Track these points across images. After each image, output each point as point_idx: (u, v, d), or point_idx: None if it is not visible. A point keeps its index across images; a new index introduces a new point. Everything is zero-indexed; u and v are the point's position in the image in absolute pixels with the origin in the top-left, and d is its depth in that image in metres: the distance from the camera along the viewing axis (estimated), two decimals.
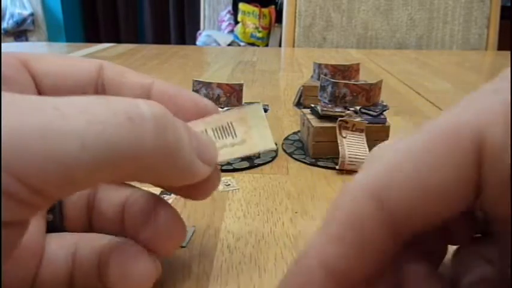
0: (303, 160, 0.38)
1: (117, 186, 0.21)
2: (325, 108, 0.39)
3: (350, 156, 0.35)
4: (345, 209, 0.13)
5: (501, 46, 1.25)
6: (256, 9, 2.46)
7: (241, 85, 0.39)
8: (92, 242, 0.19)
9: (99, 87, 0.21)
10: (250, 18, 2.46)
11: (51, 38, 2.80)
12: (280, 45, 1.87)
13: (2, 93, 0.13)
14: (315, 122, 0.38)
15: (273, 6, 2.48)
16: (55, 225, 0.20)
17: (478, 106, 0.12)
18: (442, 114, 0.13)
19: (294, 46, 1.24)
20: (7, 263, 0.14)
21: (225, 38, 2.49)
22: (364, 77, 0.53)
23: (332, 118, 0.38)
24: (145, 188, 0.21)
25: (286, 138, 0.43)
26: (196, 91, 0.39)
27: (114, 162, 0.14)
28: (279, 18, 2.37)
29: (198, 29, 2.65)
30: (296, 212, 0.29)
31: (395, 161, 0.13)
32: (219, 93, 0.38)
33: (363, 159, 0.35)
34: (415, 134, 0.13)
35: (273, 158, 0.38)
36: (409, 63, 0.95)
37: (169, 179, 0.17)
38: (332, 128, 0.37)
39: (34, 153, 0.12)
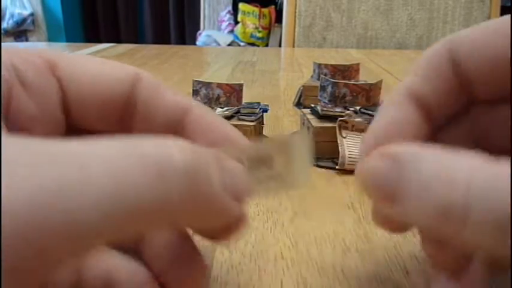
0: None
1: None
2: (325, 108, 0.39)
3: (350, 156, 0.35)
4: (426, 54, 0.19)
5: None
6: (256, 9, 2.46)
7: (241, 85, 0.39)
8: (99, 263, 0.18)
9: (130, 101, 0.19)
10: (250, 18, 2.46)
11: (51, 38, 2.79)
12: (280, 45, 1.87)
13: (25, 142, 0.11)
14: (315, 122, 0.38)
15: (273, 6, 2.48)
16: None
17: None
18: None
19: (294, 46, 1.24)
20: None
21: (225, 38, 2.49)
22: (364, 77, 0.53)
23: (332, 118, 0.38)
24: None
25: None
26: (196, 91, 0.39)
27: (137, 221, 0.12)
28: (279, 18, 2.37)
29: (198, 29, 2.65)
30: (296, 212, 0.29)
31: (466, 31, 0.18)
32: (219, 93, 0.38)
33: None
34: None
35: None
36: (409, 63, 0.95)
37: (196, 224, 0.16)
38: (332, 128, 0.36)
39: (49, 221, 0.11)
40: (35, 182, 0.11)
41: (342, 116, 0.37)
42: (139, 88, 0.19)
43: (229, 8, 2.61)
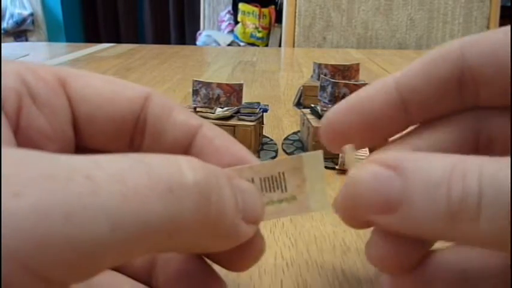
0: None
1: None
2: (325, 108, 0.39)
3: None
4: (433, 51, 0.19)
5: None
6: (256, 9, 2.46)
7: (241, 85, 0.39)
8: None
9: (140, 122, 0.18)
10: (250, 18, 2.46)
11: (51, 38, 2.79)
12: (280, 45, 1.87)
13: (28, 153, 0.11)
14: (315, 122, 0.38)
15: (273, 6, 2.48)
16: None
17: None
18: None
19: (294, 46, 1.24)
20: None
21: (225, 38, 2.49)
22: (364, 77, 0.53)
23: None
24: None
25: (286, 138, 0.43)
26: (196, 91, 0.39)
27: (147, 240, 0.12)
28: (279, 18, 2.37)
29: (198, 29, 2.65)
30: None
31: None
32: (219, 93, 0.38)
33: (363, 159, 0.35)
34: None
35: (273, 158, 0.38)
36: (409, 63, 0.94)
37: (208, 247, 0.15)
38: None
39: (53, 239, 0.10)
40: (41, 196, 0.10)
41: None
42: (150, 108, 0.18)
43: (229, 8, 2.61)
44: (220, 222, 0.14)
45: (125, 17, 3.15)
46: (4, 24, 2.61)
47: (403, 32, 1.25)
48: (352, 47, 1.24)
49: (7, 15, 2.63)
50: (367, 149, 0.36)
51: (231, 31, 2.55)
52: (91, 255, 0.11)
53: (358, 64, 0.51)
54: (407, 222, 0.14)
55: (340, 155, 0.35)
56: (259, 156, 0.38)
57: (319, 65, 0.51)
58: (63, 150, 0.18)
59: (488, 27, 1.23)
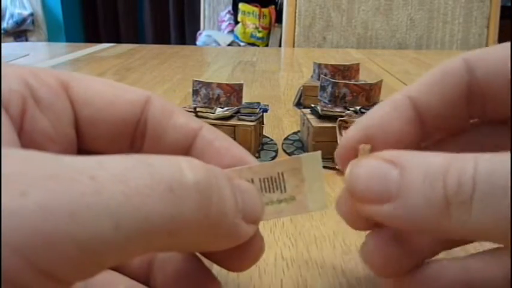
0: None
1: None
2: (325, 108, 0.39)
3: None
4: (440, 66, 0.19)
5: None
6: (256, 9, 2.46)
7: (241, 85, 0.39)
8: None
9: (141, 125, 0.19)
10: (250, 18, 2.46)
11: (51, 38, 2.80)
12: (280, 45, 1.87)
13: (33, 154, 0.11)
14: (315, 122, 0.38)
15: (273, 6, 2.48)
16: None
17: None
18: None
19: (294, 46, 1.24)
20: None
21: (225, 38, 2.49)
22: (364, 77, 0.53)
23: (332, 118, 0.38)
24: None
25: (286, 138, 0.43)
26: (196, 91, 0.39)
27: (148, 239, 0.12)
28: (279, 18, 2.37)
29: (198, 29, 2.65)
30: None
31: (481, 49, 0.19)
32: (219, 93, 0.38)
33: None
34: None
35: (273, 158, 0.38)
36: (409, 63, 0.95)
37: (208, 246, 0.15)
38: (332, 128, 0.36)
39: (58, 237, 0.10)
40: (47, 195, 0.10)
41: (342, 116, 0.37)
42: (150, 111, 0.19)
43: (229, 8, 2.61)
44: (221, 222, 0.14)
45: (125, 17, 3.15)
46: (4, 24, 2.61)
47: (403, 32, 1.25)
48: (352, 47, 1.24)
49: (7, 15, 2.63)
50: None
51: (231, 31, 2.55)
52: (94, 253, 0.11)
53: (358, 64, 0.51)
54: (404, 212, 0.15)
55: None
56: (259, 156, 0.38)
57: (319, 65, 0.51)
58: (65, 152, 0.18)
59: (488, 27, 1.23)
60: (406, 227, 0.16)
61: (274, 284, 0.22)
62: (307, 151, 0.39)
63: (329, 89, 0.40)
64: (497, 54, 0.18)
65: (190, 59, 0.96)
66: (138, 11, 3.16)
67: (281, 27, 1.91)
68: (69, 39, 2.85)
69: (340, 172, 0.35)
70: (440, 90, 0.18)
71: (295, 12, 1.23)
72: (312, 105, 0.41)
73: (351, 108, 0.40)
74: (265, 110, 0.40)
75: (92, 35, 3.09)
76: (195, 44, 2.51)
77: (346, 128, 0.36)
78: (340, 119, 0.36)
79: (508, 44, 0.18)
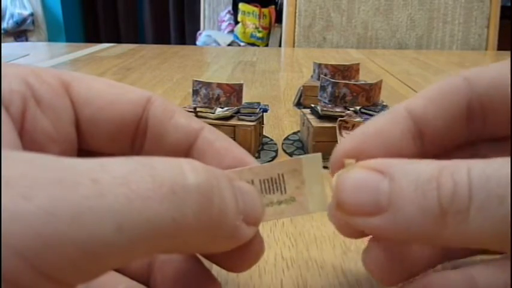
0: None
1: None
2: (325, 108, 0.39)
3: None
4: (440, 82, 0.19)
5: (501, 46, 1.24)
6: (256, 9, 2.46)
7: (241, 85, 0.39)
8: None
9: (141, 125, 0.19)
10: (250, 18, 2.46)
11: (51, 38, 2.79)
12: (280, 45, 1.87)
13: (35, 156, 0.11)
14: (315, 122, 0.38)
15: (273, 6, 2.48)
16: None
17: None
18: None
19: (294, 46, 1.24)
20: None
21: (225, 38, 2.49)
22: (364, 77, 0.53)
23: (332, 118, 0.38)
24: None
25: (286, 138, 0.43)
26: (196, 91, 0.39)
27: (151, 241, 0.12)
28: (279, 18, 2.37)
29: (198, 29, 2.65)
30: None
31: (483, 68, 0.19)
32: (219, 93, 0.38)
33: None
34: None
35: (273, 158, 0.38)
36: (409, 63, 0.95)
37: (209, 248, 0.15)
38: (332, 128, 0.36)
39: (61, 239, 0.10)
40: (49, 199, 0.10)
41: (342, 116, 0.37)
42: (151, 111, 0.19)
43: (229, 8, 2.61)
44: (221, 223, 0.14)
45: (124, 17, 3.15)
46: (4, 24, 2.61)
47: (403, 32, 1.25)
48: (352, 47, 1.24)
49: (7, 15, 2.63)
50: None
51: (231, 31, 2.55)
52: (96, 256, 0.11)
53: (358, 64, 0.51)
54: (396, 223, 0.14)
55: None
56: (259, 156, 0.38)
57: (319, 65, 0.51)
58: (66, 151, 0.18)
59: (488, 27, 1.23)
60: (399, 239, 0.15)
61: (274, 284, 0.22)
62: (307, 151, 0.39)
63: (329, 89, 0.40)
64: (497, 71, 0.18)
65: (190, 59, 0.96)
66: (138, 11, 3.16)
67: (281, 27, 1.91)
68: (69, 39, 2.85)
69: None
70: (440, 105, 0.18)
71: (295, 12, 1.23)
72: (312, 105, 0.41)
73: (351, 108, 0.40)
74: (265, 110, 0.40)
75: (92, 35, 3.09)
76: (195, 44, 2.51)
77: (346, 128, 0.36)
78: (340, 119, 0.36)
79: (507, 61, 0.18)
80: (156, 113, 0.19)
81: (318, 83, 0.43)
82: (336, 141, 0.36)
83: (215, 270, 0.22)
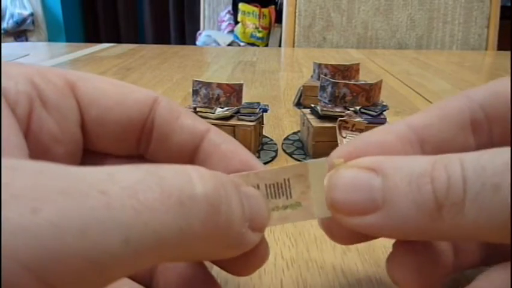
0: (303, 160, 0.38)
1: None
2: (325, 108, 0.39)
3: None
4: (438, 102, 0.18)
5: (501, 46, 1.24)
6: (256, 9, 2.46)
7: (241, 85, 0.39)
8: None
9: (148, 125, 0.19)
10: (250, 18, 2.46)
11: (51, 38, 2.80)
12: (280, 45, 1.87)
13: (43, 166, 0.11)
14: (315, 122, 0.38)
15: (273, 6, 2.48)
16: None
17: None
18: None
19: (294, 46, 1.24)
20: None
21: (225, 38, 2.49)
22: (364, 77, 0.53)
23: (332, 118, 0.38)
24: None
25: (286, 138, 0.43)
26: (196, 91, 0.39)
27: (157, 251, 0.12)
28: (279, 18, 2.37)
29: (198, 29, 2.65)
30: None
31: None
32: (219, 93, 0.38)
33: None
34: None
35: (273, 158, 0.38)
36: (409, 63, 0.95)
37: (214, 255, 0.15)
38: (332, 128, 0.36)
39: (68, 252, 0.10)
40: (57, 212, 0.10)
41: (342, 116, 0.37)
42: (158, 111, 0.19)
43: (229, 8, 2.61)
44: (228, 231, 0.14)
45: (124, 17, 3.15)
46: (4, 24, 2.61)
47: (403, 32, 1.25)
48: (352, 47, 1.24)
49: (7, 15, 2.63)
50: None
51: (231, 31, 2.55)
52: (103, 268, 0.11)
53: (358, 64, 0.51)
54: (392, 220, 0.14)
55: None
56: (259, 156, 0.38)
57: (319, 65, 0.51)
58: (71, 152, 0.18)
59: (488, 27, 1.23)
60: (395, 236, 0.15)
61: (274, 284, 0.22)
62: (307, 151, 0.39)
63: (329, 89, 0.40)
64: (493, 83, 0.18)
65: (190, 59, 0.96)
66: (138, 11, 3.16)
67: (281, 27, 1.91)
68: (69, 39, 2.85)
69: None
70: (441, 116, 0.18)
71: (295, 12, 1.23)
72: (312, 105, 0.41)
73: (351, 108, 0.40)
74: (265, 110, 0.40)
75: (92, 35, 3.09)
76: (195, 44, 2.51)
77: (346, 128, 0.36)
78: (340, 119, 0.36)
79: (502, 78, 0.18)
80: (163, 114, 0.19)
81: (318, 83, 0.43)
82: (336, 141, 0.36)
83: (215, 270, 0.22)
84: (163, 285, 0.18)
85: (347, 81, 0.40)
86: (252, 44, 2.40)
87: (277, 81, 0.73)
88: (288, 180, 0.17)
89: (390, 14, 1.24)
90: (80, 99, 0.18)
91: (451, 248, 0.18)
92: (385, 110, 0.40)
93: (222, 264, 0.18)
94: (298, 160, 0.38)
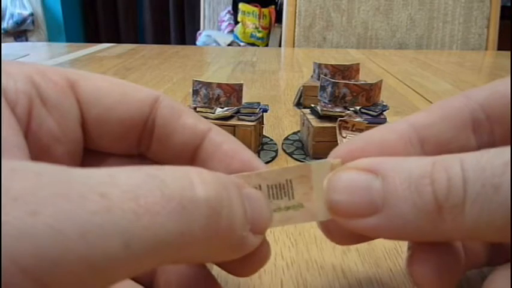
0: (303, 160, 0.38)
1: None
2: (325, 108, 0.39)
3: None
4: (438, 102, 0.18)
5: (501, 46, 1.24)
6: (256, 9, 2.46)
7: (241, 85, 0.39)
8: None
9: (149, 124, 0.19)
10: (250, 18, 2.46)
11: (51, 38, 2.80)
12: (280, 45, 1.87)
13: (43, 168, 0.11)
14: (315, 122, 0.38)
15: (273, 6, 2.48)
16: None
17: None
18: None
19: (294, 46, 1.24)
20: None
21: (225, 38, 2.49)
22: (364, 77, 0.53)
23: (332, 118, 0.38)
24: None
25: (286, 138, 0.43)
26: (196, 91, 0.39)
27: (158, 255, 0.12)
28: (279, 18, 2.37)
29: (198, 29, 2.65)
30: None
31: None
32: (219, 93, 0.38)
33: None
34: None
35: (273, 158, 0.38)
36: (409, 63, 0.95)
37: (214, 258, 0.15)
38: (332, 128, 0.36)
39: (67, 256, 0.10)
40: (57, 215, 0.10)
41: (342, 116, 0.37)
42: (159, 111, 0.19)
43: (229, 8, 2.62)
44: (230, 235, 0.14)
45: (124, 17, 3.15)
46: (4, 24, 2.61)
47: (403, 32, 1.25)
48: (352, 47, 1.24)
49: (7, 15, 2.63)
50: None
51: (231, 31, 2.55)
52: (103, 272, 0.11)
53: (358, 64, 0.51)
54: (393, 222, 0.14)
55: None
56: (259, 156, 0.38)
57: (319, 65, 0.51)
58: (72, 151, 0.18)
59: (488, 28, 1.23)
60: (395, 237, 0.15)
61: (274, 284, 0.22)
62: (307, 151, 0.39)
63: (329, 89, 0.40)
64: (492, 84, 0.18)
65: (190, 59, 0.96)
66: (138, 11, 3.16)
67: (281, 27, 1.91)
68: (69, 39, 2.85)
69: None
70: (441, 114, 0.18)
71: (295, 12, 1.23)
72: (312, 105, 0.41)
73: (351, 108, 0.40)
74: (265, 110, 0.40)
75: (92, 35, 3.10)
76: (195, 44, 2.51)
77: (346, 128, 0.36)
78: (340, 119, 0.36)
79: (501, 79, 0.18)
80: (164, 113, 0.19)
81: (318, 83, 0.43)
82: (336, 141, 0.36)
83: (215, 270, 0.22)
84: (164, 285, 0.18)
85: (347, 81, 0.40)
86: (252, 44, 2.41)
87: (277, 81, 0.73)
88: (291, 181, 0.17)
89: (390, 14, 1.24)
90: (80, 98, 0.18)
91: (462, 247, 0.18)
92: (385, 110, 0.40)
93: (222, 264, 0.18)
94: (298, 160, 0.38)
